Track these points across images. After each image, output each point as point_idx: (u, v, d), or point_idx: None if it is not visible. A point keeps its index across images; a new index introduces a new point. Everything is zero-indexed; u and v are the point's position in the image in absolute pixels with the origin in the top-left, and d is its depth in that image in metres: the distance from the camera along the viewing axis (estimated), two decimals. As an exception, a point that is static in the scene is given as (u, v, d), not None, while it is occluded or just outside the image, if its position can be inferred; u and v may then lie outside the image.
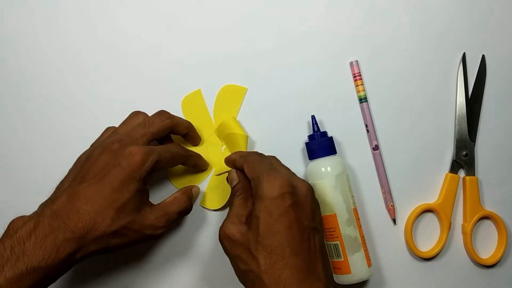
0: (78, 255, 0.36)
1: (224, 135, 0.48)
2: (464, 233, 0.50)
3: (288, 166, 0.41)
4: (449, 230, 0.49)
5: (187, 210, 0.43)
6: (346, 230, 0.43)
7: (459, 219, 0.50)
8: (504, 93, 0.50)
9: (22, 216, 0.36)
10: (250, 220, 0.38)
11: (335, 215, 0.43)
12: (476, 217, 0.49)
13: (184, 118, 0.48)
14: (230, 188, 0.43)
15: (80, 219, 0.36)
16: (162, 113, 0.44)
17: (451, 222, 0.49)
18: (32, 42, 0.49)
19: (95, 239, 0.36)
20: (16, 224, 0.35)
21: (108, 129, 0.45)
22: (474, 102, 0.50)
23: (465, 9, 0.50)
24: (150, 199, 0.41)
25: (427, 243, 0.50)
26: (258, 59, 0.49)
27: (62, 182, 0.40)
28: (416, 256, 0.49)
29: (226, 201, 0.48)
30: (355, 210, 0.45)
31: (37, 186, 0.48)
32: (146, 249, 0.48)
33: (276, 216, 0.36)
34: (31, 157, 0.49)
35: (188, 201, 0.43)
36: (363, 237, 0.45)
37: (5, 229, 0.36)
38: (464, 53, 0.50)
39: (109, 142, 0.39)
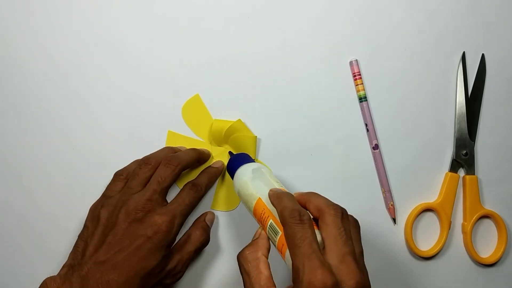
0: None
1: (231, 137, 0.48)
2: (464, 232, 0.50)
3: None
4: (449, 229, 0.49)
5: (204, 244, 0.44)
6: (271, 204, 0.39)
7: (459, 218, 0.50)
8: (504, 92, 0.50)
9: (53, 277, 0.38)
10: None
11: (259, 198, 0.39)
12: (476, 216, 0.49)
13: (186, 148, 0.47)
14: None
15: None
16: (169, 162, 0.43)
17: (451, 221, 0.49)
18: (32, 42, 0.49)
19: None
20: (49, 286, 0.37)
21: (117, 177, 0.44)
22: (474, 101, 0.50)
23: (465, 8, 0.50)
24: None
25: (427, 242, 0.50)
26: (257, 58, 0.49)
27: (85, 241, 0.41)
28: (416, 255, 0.49)
29: (238, 202, 0.47)
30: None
31: (37, 186, 0.48)
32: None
33: None
34: (30, 157, 0.48)
35: (204, 234, 0.44)
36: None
37: None
38: (463, 52, 0.50)
39: (133, 210, 0.40)
